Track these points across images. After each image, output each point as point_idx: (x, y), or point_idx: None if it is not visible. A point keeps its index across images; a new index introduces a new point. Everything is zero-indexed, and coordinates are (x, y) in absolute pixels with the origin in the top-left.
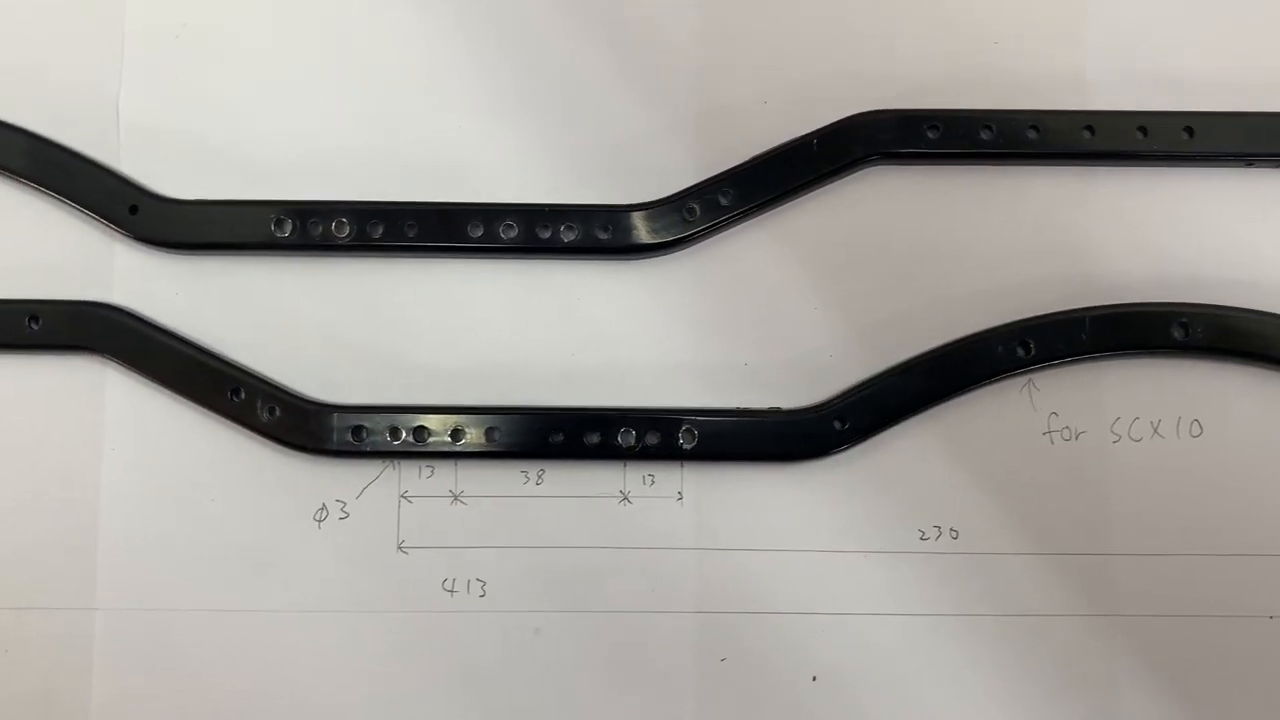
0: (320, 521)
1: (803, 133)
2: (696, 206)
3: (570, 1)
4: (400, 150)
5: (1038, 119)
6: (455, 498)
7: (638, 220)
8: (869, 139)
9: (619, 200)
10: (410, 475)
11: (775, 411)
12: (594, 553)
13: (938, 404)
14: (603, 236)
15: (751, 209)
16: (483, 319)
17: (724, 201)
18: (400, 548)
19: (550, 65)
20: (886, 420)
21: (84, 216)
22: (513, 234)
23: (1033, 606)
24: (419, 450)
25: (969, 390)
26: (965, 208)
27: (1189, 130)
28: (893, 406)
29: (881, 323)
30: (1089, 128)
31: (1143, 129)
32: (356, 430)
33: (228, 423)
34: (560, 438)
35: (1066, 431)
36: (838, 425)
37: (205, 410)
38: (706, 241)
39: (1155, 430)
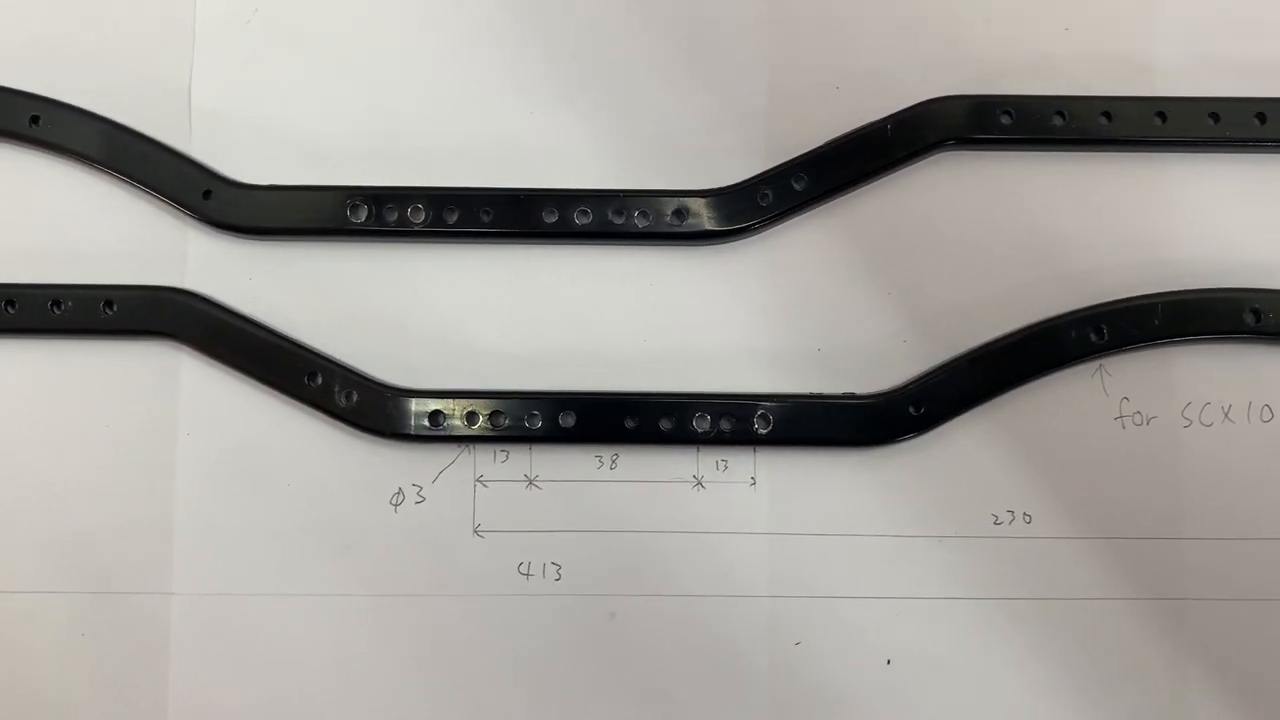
0: (396, 506)
1: (872, 119)
2: (770, 192)
3: None
4: (471, 136)
5: (1110, 105)
6: (530, 482)
7: (712, 206)
8: (943, 125)
9: (689, 186)
10: (485, 460)
11: (850, 397)
12: (668, 537)
13: (1011, 389)
14: (677, 222)
15: (825, 195)
16: (556, 304)
17: (798, 187)
18: (476, 532)
19: (622, 50)
20: (961, 406)
21: (158, 202)
22: (587, 220)
23: (1104, 591)
24: (494, 435)
25: (1042, 375)
26: (1037, 194)
27: (1260, 116)
28: (967, 392)
29: (954, 308)
30: (1161, 114)
31: (1214, 115)
32: (433, 415)
33: (302, 407)
34: (635, 423)
35: (1138, 416)
36: (912, 411)
37: (281, 395)
38: (779, 227)
39: (1226, 415)
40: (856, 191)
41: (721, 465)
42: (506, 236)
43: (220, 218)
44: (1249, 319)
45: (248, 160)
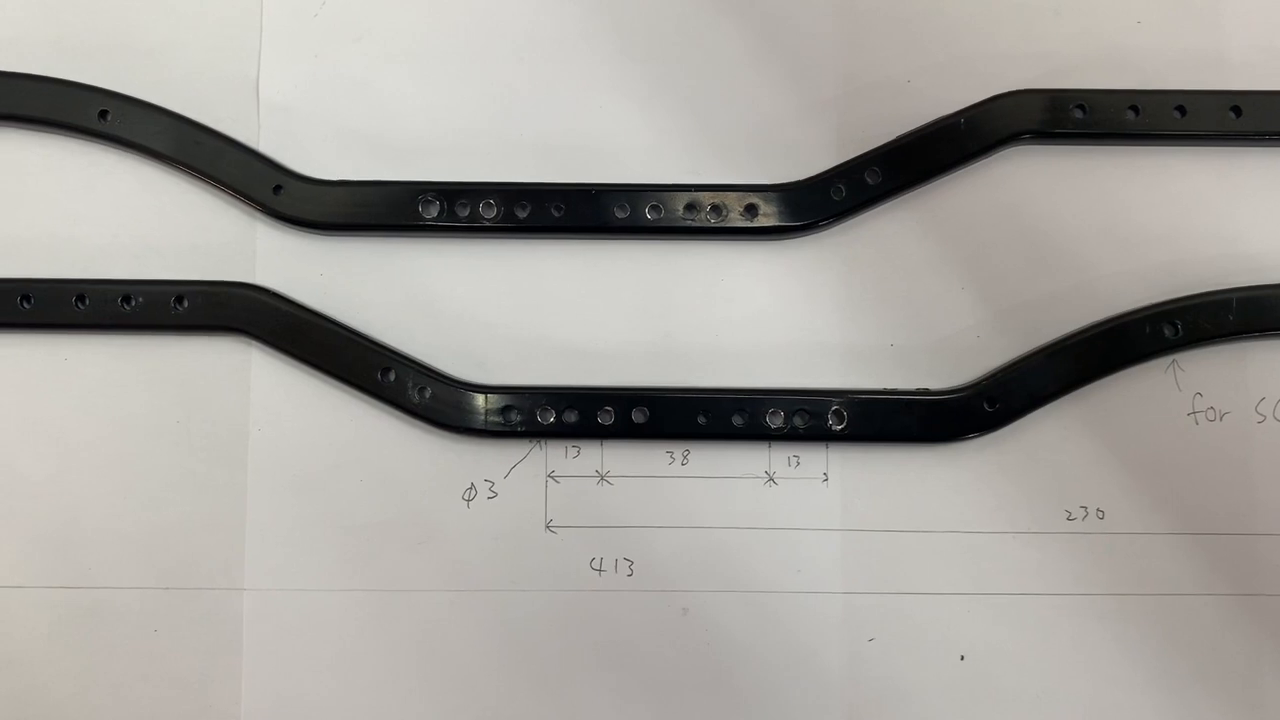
0: (469, 501)
1: (942, 113)
2: (843, 186)
3: None
4: (541, 131)
5: (1184, 99)
6: (601, 478)
7: (784, 200)
8: (1016, 119)
9: (760, 181)
10: (556, 455)
11: (924, 393)
12: (740, 533)
13: (1085, 385)
14: (748, 217)
15: (898, 189)
16: (627, 300)
17: (871, 181)
18: (548, 527)
19: (691, 44)
20: (1035, 401)
21: (227, 197)
22: (658, 215)
23: (1178, 586)
24: (567, 430)
25: (1115, 371)
26: (1110, 188)
27: None
28: (1041, 388)
29: (1027, 304)
30: (1235, 109)
31: None
32: (505, 410)
33: (373, 403)
34: (708, 419)
35: (1211, 412)
36: (987, 407)
37: (353, 391)
38: (850, 221)
39: None
40: (929, 186)
41: (794, 461)
42: (578, 231)
43: (291, 213)
44: None
45: (315, 155)
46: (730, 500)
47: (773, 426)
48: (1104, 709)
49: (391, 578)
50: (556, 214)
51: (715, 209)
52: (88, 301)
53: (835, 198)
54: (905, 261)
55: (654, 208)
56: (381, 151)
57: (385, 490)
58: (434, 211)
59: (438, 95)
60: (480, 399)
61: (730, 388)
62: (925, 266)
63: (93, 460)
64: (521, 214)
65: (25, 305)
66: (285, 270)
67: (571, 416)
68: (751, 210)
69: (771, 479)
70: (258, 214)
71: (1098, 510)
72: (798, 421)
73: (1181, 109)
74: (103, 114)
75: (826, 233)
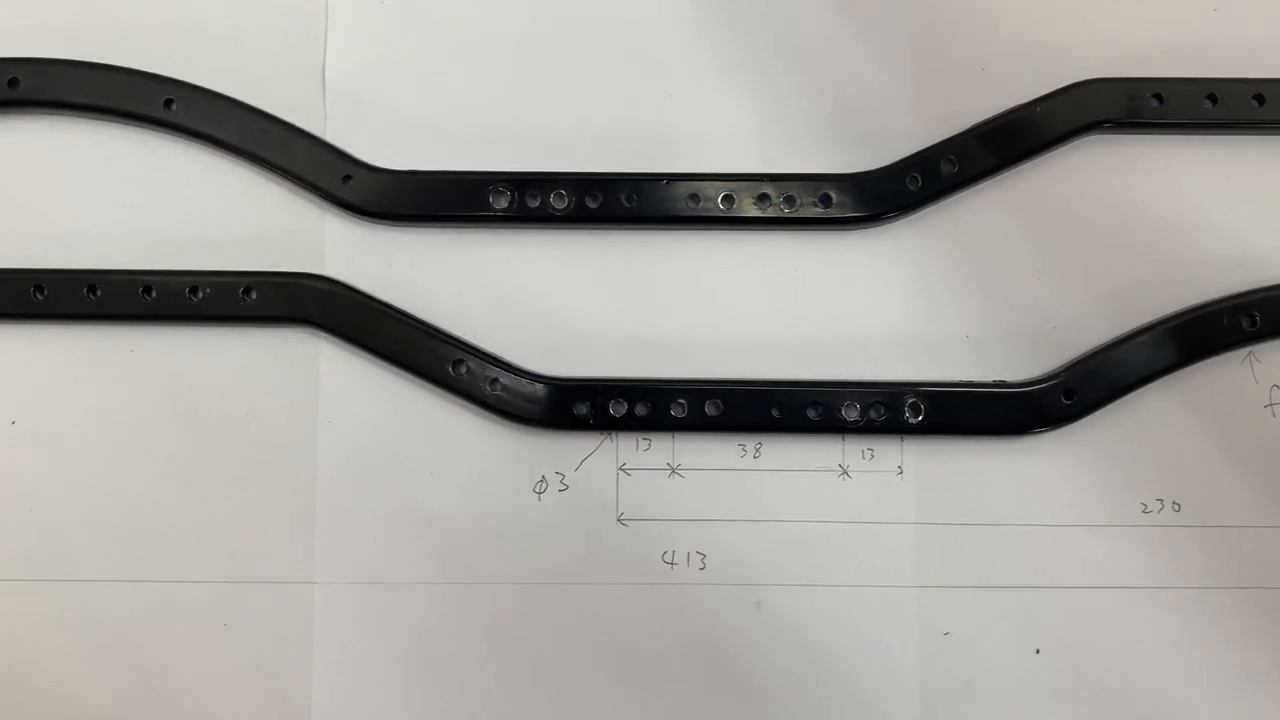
0: (540, 494)
1: (1016, 101)
2: (919, 175)
3: None
4: (611, 120)
5: (1263, 88)
6: (673, 470)
7: (859, 189)
8: (1092, 108)
9: (830, 170)
10: (627, 448)
11: (1001, 384)
12: (814, 526)
13: (1162, 376)
14: (823, 206)
15: (974, 178)
16: (698, 291)
17: (947, 170)
18: (619, 520)
19: (764, 32)
20: (1113, 394)
21: (294, 187)
22: (730, 205)
23: (1255, 579)
24: (640, 423)
25: (1192, 363)
26: (1187, 178)
27: None
28: (1119, 380)
29: (1103, 294)
30: None
31: None
32: (577, 403)
33: (443, 395)
34: (782, 412)
35: None
36: (1065, 399)
37: (424, 383)
38: (924, 211)
39: None
40: (1004, 175)
41: (868, 454)
42: (649, 221)
43: (361, 203)
44: None
45: (382, 144)
46: (803, 493)
47: (849, 419)
48: (1179, 703)
49: (462, 570)
50: (628, 204)
51: (789, 199)
52: (154, 293)
53: (911, 187)
54: (980, 251)
55: (727, 198)
56: (447, 140)
57: (456, 483)
58: (504, 202)
59: (504, 83)
60: (553, 391)
61: (804, 380)
62: (1000, 257)
63: (161, 453)
64: (593, 204)
65: (91, 297)
66: (353, 261)
67: (644, 409)
68: (826, 200)
69: (845, 472)
70: (326, 204)
71: (1174, 503)
72: (874, 414)
73: (1260, 98)
74: (168, 103)
75: (900, 222)
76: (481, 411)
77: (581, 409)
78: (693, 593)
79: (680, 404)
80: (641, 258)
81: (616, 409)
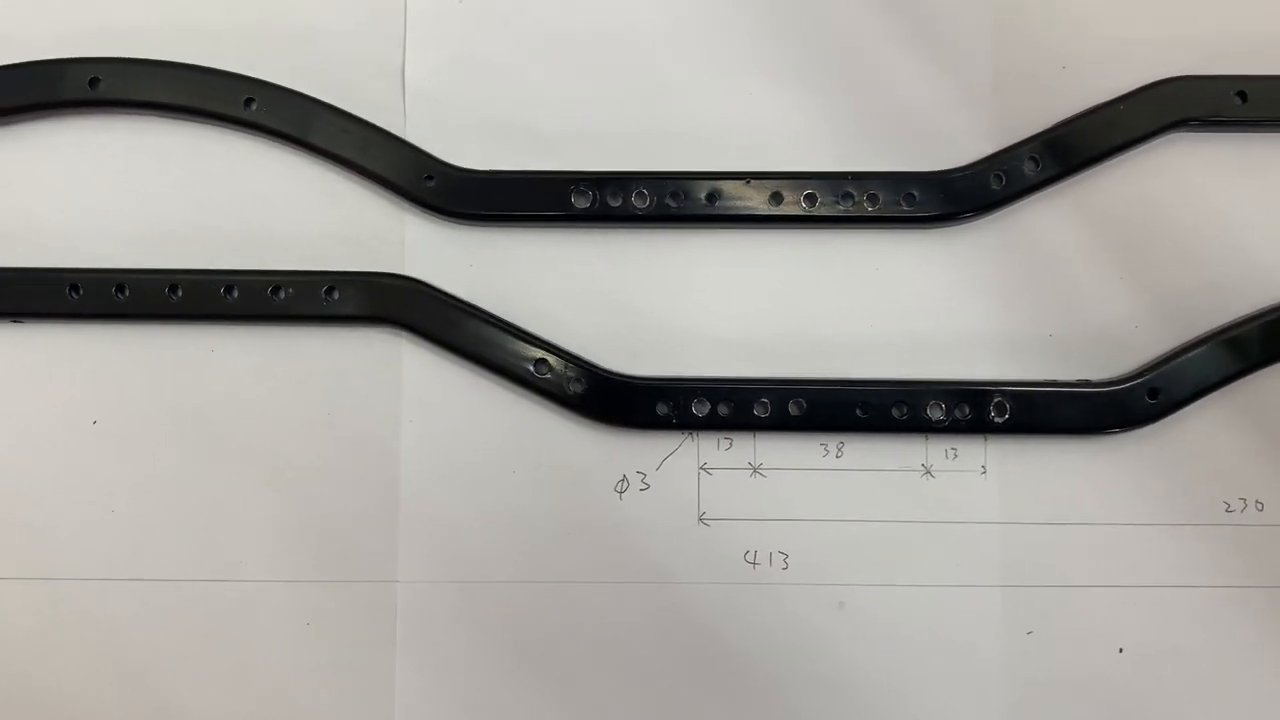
0: (621, 493)
1: (1097, 99)
2: (1003, 174)
3: None
4: (691, 119)
5: None
6: (754, 470)
7: (943, 188)
8: (1176, 105)
9: (910, 168)
10: (709, 447)
11: (1085, 384)
12: (897, 526)
13: (1245, 375)
14: (905, 204)
15: (1057, 176)
16: (780, 289)
17: (1030, 169)
18: (701, 519)
19: (842, 30)
20: (1196, 393)
21: (375, 187)
22: (812, 204)
23: None
24: (721, 422)
25: (1276, 361)
26: (1270, 176)
27: None
28: (1202, 379)
29: (1187, 293)
30: None
31: None
32: (659, 402)
33: (526, 394)
34: (866, 411)
35: None
36: (1149, 398)
37: (506, 382)
38: (1006, 209)
39: None
40: (1086, 173)
41: (951, 454)
42: (730, 220)
43: (442, 204)
44: None
45: (462, 143)
46: (886, 493)
47: (933, 419)
48: (1262, 702)
49: (544, 569)
50: (709, 203)
51: (873, 197)
52: (236, 293)
53: (994, 186)
54: (1063, 250)
55: (809, 196)
56: (525, 140)
57: (537, 482)
58: (586, 202)
59: (583, 83)
60: (635, 391)
61: (889, 379)
62: (1083, 255)
63: (242, 453)
64: (673, 204)
65: (174, 297)
66: (435, 261)
67: (726, 409)
68: (910, 198)
69: (928, 472)
70: (406, 204)
71: (1257, 502)
72: (959, 414)
73: None
74: (248, 102)
75: (981, 220)
76: (563, 411)
77: (663, 409)
78: (775, 593)
79: (764, 404)
80: (723, 256)
81: (699, 408)
